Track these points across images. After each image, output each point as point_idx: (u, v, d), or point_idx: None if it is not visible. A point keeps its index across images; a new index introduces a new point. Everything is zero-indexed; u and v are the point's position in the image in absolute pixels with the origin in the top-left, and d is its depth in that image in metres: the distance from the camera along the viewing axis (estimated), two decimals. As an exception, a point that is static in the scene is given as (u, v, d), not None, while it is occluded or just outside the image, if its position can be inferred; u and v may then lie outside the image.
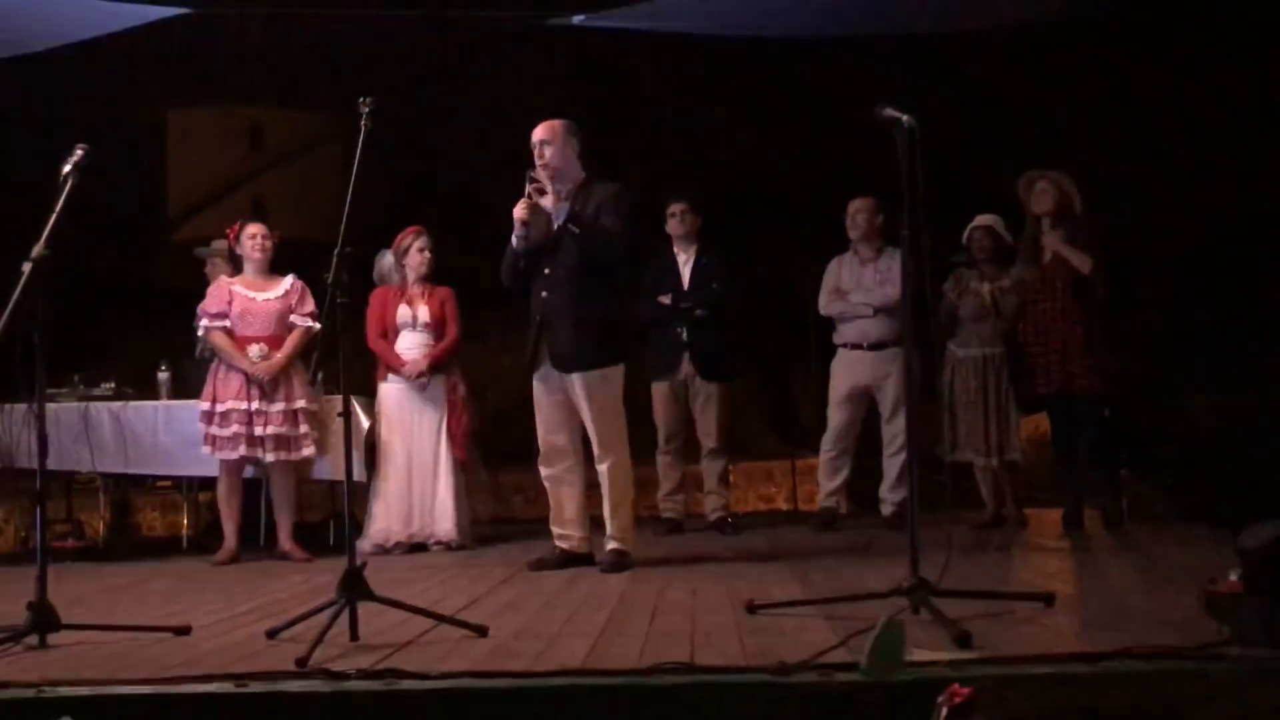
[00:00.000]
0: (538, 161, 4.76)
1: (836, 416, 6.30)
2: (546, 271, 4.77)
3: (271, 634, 3.29)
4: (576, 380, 4.75)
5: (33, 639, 3.26)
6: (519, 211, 4.69)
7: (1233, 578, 2.90)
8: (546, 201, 4.73)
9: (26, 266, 3.33)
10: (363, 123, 3.47)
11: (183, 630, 3.43)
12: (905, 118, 3.42)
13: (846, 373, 6.28)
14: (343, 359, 3.46)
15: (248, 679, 2.70)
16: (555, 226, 4.72)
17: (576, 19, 6.45)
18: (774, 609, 3.48)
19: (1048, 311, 5.94)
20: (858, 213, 6.25)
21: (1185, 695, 2.43)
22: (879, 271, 6.22)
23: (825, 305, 6.35)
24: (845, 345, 6.30)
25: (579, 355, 4.74)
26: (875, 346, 6.20)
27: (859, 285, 6.25)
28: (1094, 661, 2.57)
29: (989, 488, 6.24)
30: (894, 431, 6.18)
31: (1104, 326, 6.02)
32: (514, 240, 4.75)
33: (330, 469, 5.88)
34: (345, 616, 3.19)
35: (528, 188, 4.71)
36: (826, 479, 6.37)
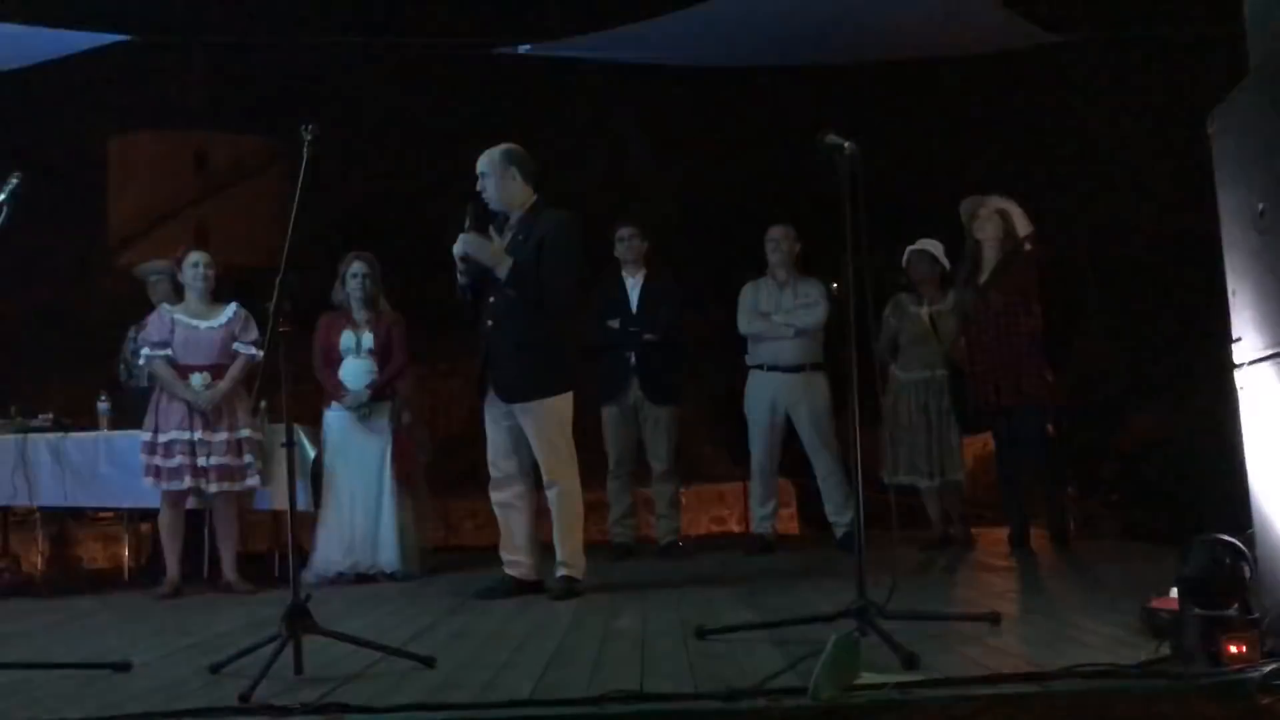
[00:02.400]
0: (480, 192, 4.76)
1: (757, 443, 6.38)
2: (490, 300, 4.76)
3: (215, 669, 3.23)
4: (523, 409, 4.74)
5: (-34, 678, 3.18)
6: (457, 247, 4.68)
7: (1172, 594, 2.96)
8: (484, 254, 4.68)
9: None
10: (305, 149, 3.44)
11: (123, 666, 3.36)
12: (847, 144, 3.47)
13: (762, 394, 6.35)
14: (285, 387, 3.42)
15: (189, 716, 2.64)
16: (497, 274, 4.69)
17: (523, 48, 6.47)
18: (723, 634, 3.48)
19: (990, 331, 6.02)
20: (782, 238, 6.35)
21: (1128, 714, 2.46)
22: (799, 296, 6.30)
23: (746, 325, 6.40)
24: (760, 366, 6.37)
25: (523, 385, 4.73)
26: (790, 369, 6.27)
27: (778, 308, 6.32)
28: (1039, 681, 2.59)
29: (935, 508, 6.30)
30: (818, 456, 6.26)
31: (1046, 345, 6.11)
32: (458, 275, 4.74)
33: (274, 499, 5.80)
34: (290, 650, 3.14)
35: (466, 220, 4.70)
36: (757, 506, 6.48)
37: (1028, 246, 5.96)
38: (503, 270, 4.65)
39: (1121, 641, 3.07)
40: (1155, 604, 3.14)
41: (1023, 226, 6.03)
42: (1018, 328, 5.98)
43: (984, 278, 6.07)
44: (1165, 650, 2.79)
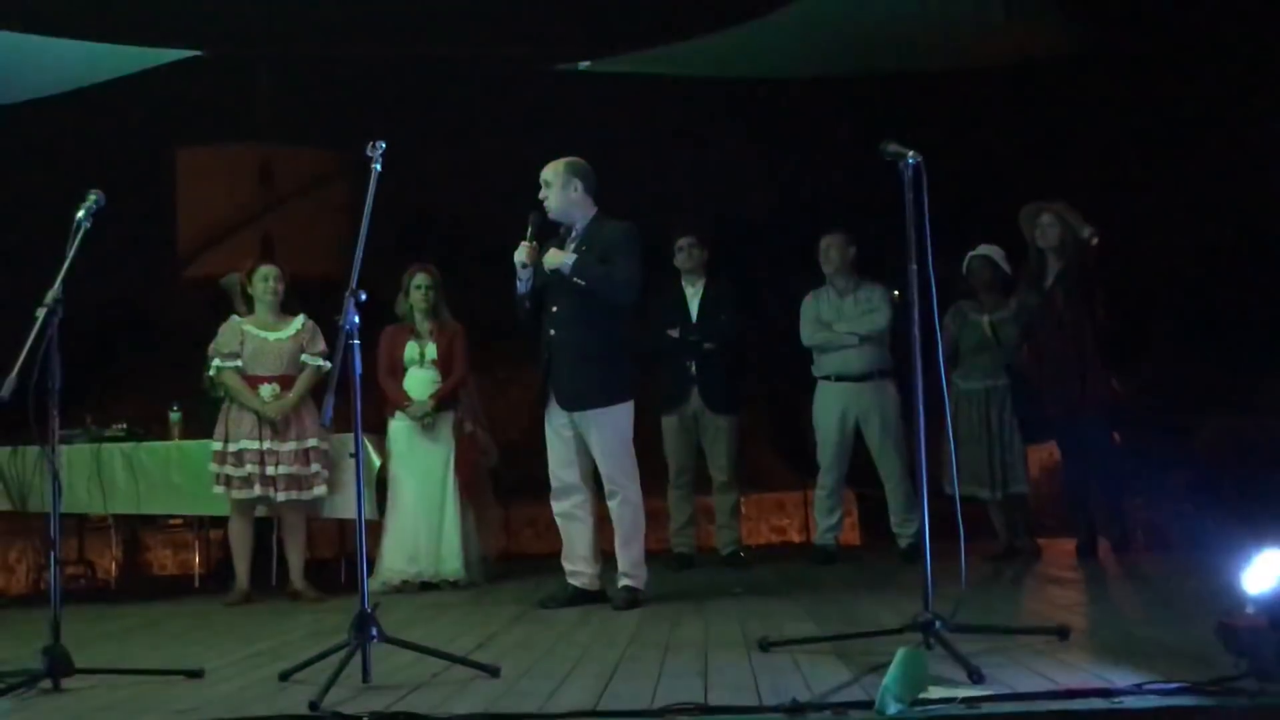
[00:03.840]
0: (543, 201, 4.80)
1: (826, 453, 6.32)
2: (554, 310, 4.79)
3: (284, 676, 3.28)
4: (585, 417, 4.76)
5: (47, 683, 3.26)
6: (519, 255, 4.72)
7: (1250, 611, 2.89)
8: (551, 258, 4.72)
9: (41, 311, 3.36)
10: (373, 166, 3.49)
11: (195, 673, 3.43)
12: (910, 154, 3.44)
13: (831, 405, 6.29)
14: (355, 399, 3.47)
15: (261, 723, 2.69)
16: (563, 269, 4.73)
17: (582, 65, 6.52)
18: (787, 646, 3.46)
19: (1055, 337, 5.94)
20: (829, 248, 6.31)
21: (1203, 731, 2.41)
22: (860, 303, 6.25)
23: (810, 336, 6.35)
24: (827, 377, 6.31)
25: (586, 393, 4.75)
26: (859, 378, 6.21)
27: (840, 317, 6.27)
28: (1110, 697, 2.55)
29: (1001, 519, 6.22)
30: (888, 464, 6.20)
31: (1113, 351, 6.01)
32: (518, 283, 4.78)
33: (341, 508, 5.89)
34: (358, 658, 3.19)
35: (529, 229, 4.74)
36: (823, 516, 6.41)
37: (1094, 241, 5.85)
38: (567, 266, 4.68)
39: (1195, 657, 3.00)
40: (1231, 619, 3.07)
41: (1085, 230, 5.92)
42: (1083, 334, 5.89)
43: (1048, 284, 5.99)
44: (1242, 667, 2.73)
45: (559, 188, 4.80)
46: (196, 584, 6.67)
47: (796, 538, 9.75)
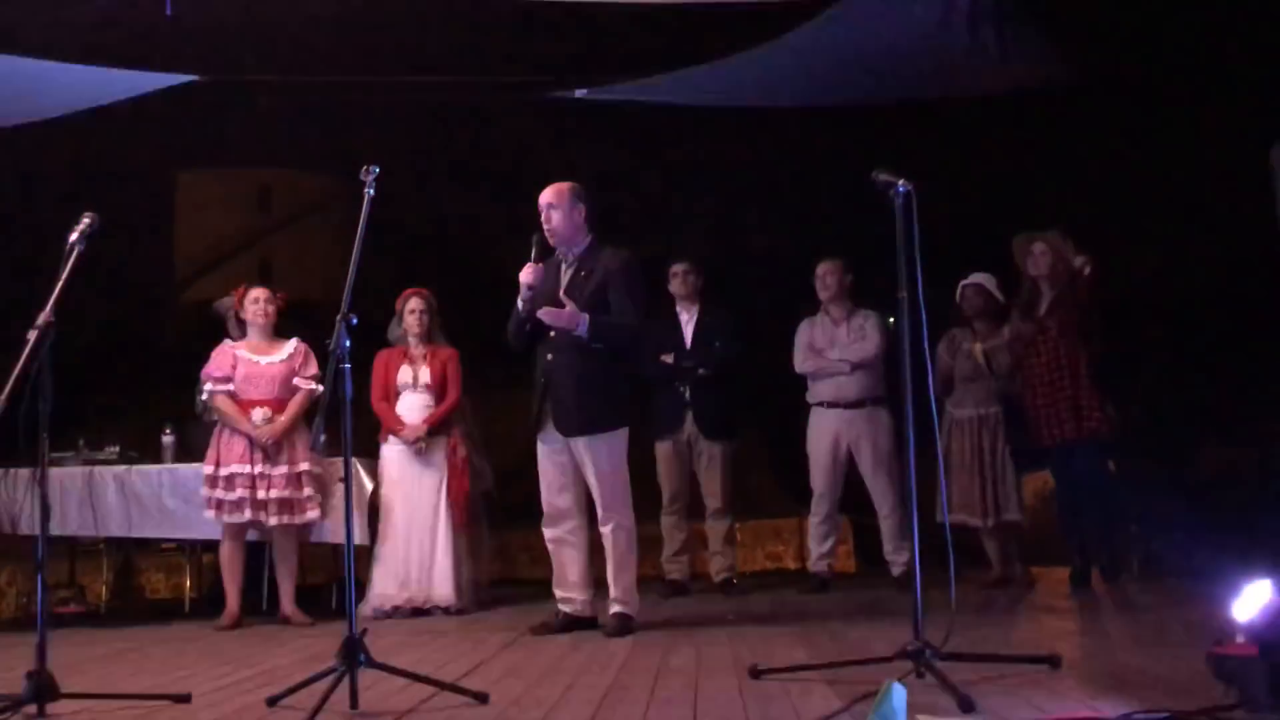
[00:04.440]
0: (544, 225, 4.80)
1: (819, 480, 6.32)
2: (552, 335, 4.79)
3: (271, 701, 3.27)
4: (581, 443, 4.76)
5: (31, 708, 3.24)
6: (525, 275, 4.72)
7: (1240, 639, 2.88)
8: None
9: (32, 334, 3.36)
10: (366, 191, 3.50)
11: (182, 698, 3.41)
12: (901, 182, 3.47)
13: (824, 432, 6.29)
14: (345, 424, 3.47)
15: (246, 749, 2.68)
16: (561, 292, 4.73)
17: (579, 93, 6.56)
18: (778, 674, 3.45)
19: (1048, 365, 5.95)
20: (827, 274, 6.33)
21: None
22: (853, 330, 6.26)
23: (801, 363, 6.37)
24: (820, 404, 6.32)
25: (583, 419, 4.74)
26: (851, 405, 6.22)
27: (833, 344, 6.28)
28: (1099, 727, 2.55)
29: (994, 548, 6.21)
30: (880, 492, 6.19)
31: (1105, 380, 6.02)
32: (519, 304, 4.78)
33: (332, 532, 5.87)
34: (345, 684, 3.17)
35: (533, 252, 4.75)
36: (815, 544, 6.40)
37: (1087, 270, 5.87)
38: (583, 330, 4.67)
39: (1185, 687, 3.00)
40: (1222, 649, 3.07)
41: (1074, 261, 5.95)
42: (1076, 362, 5.91)
43: (1041, 312, 6.01)
44: (1232, 697, 2.72)
45: (565, 211, 4.81)
46: (187, 608, 6.64)
47: (792, 565, 9.72)
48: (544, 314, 4.66)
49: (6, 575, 8.33)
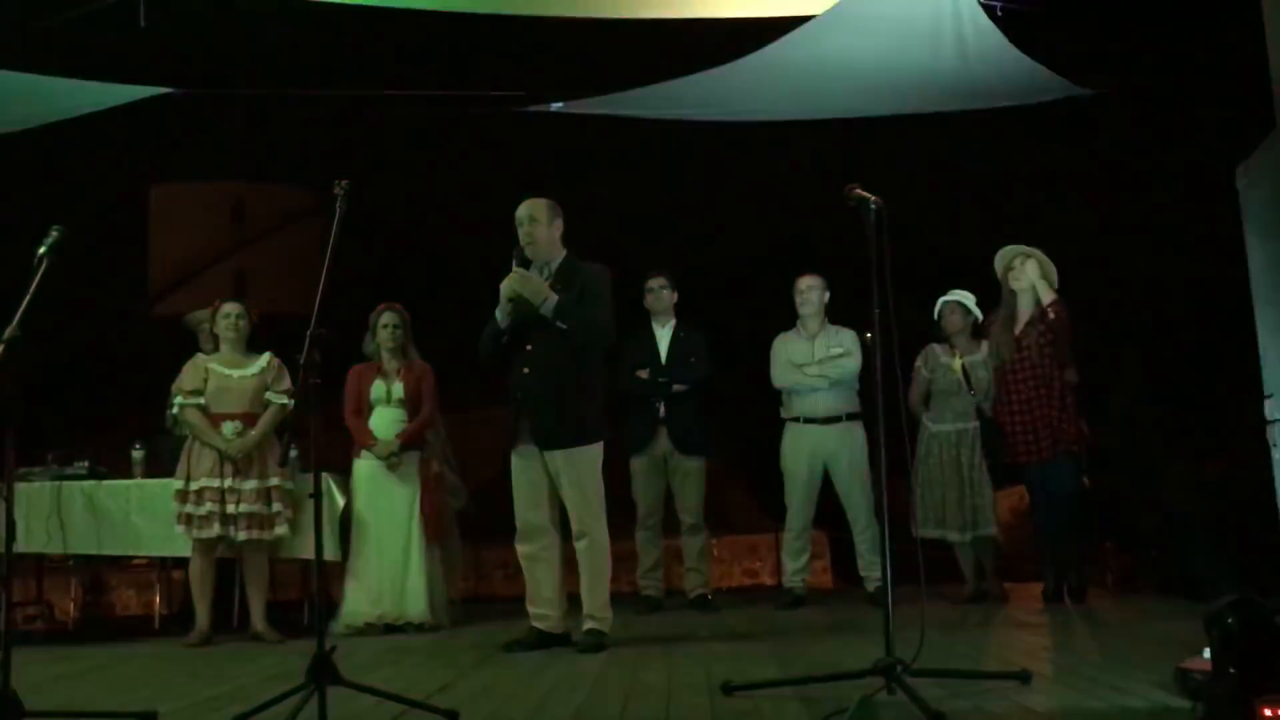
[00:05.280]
0: (522, 239, 4.80)
1: (794, 496, 6.31)
2: (529, 348, 4.78)
3: (239, 720, 3.23)
4: (557, 457, 4.74)
5: (-6, 727, 3.20)
6: (507, 286, 4.71)
7: (1205, 655, 2.90)
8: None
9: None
10: (337, 205, 3.49)
11: (148, 715, 3.37)
12: (873, 199, 3.48)
13: (799, 448, 6.30)
14: (314, 439, 3.44)
15: (211, 768, 2.65)
16: (541, 308, 4.72)
17: (555, 106, 6.57)
18: (750, 690, 3.44)
19: (1026, 381, 5.99)
20: (809, 289, 6.34)
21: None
22: (830, 346, 6.28)
23: (780, 377, 6.37)
24: (795, 419, 6.33)
25: (560, 433, 4.73)
26: (827, 420, 6.23)
27: (810, 359, 6.30)
28: (1067, 743, 2.55)
29: (968, 562, 6.23)
30: (855, 508, 6.21)
31: (1080, 399, 6.06)
32: (498, 315, 4.77)
33: (303, 548, 5.82)
34: (314, 702, 3.14)
35: (514, 264, 4.74)
36: (790, 559, 6.39)
37: (1051, 315, 5.92)
38: (549, 306, 4.67)
39: (1154, 703, 3.01)
40: (1188, 665, 3.09)
41: (1046, 293, 5.97)
42: (1053, 378, 5.95)
43: (1019, 328, 6.05)
44: (1199, 712, 2.73)
45: (544, 225, 4.81)
46: (157, 625, 6.57)
47: (769, 581, 9.73)
48: (518, 273, 4.64)
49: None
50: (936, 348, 6.31)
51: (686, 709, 3.27)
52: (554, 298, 4.68)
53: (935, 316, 6.35)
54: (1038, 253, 6.11)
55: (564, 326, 4.68)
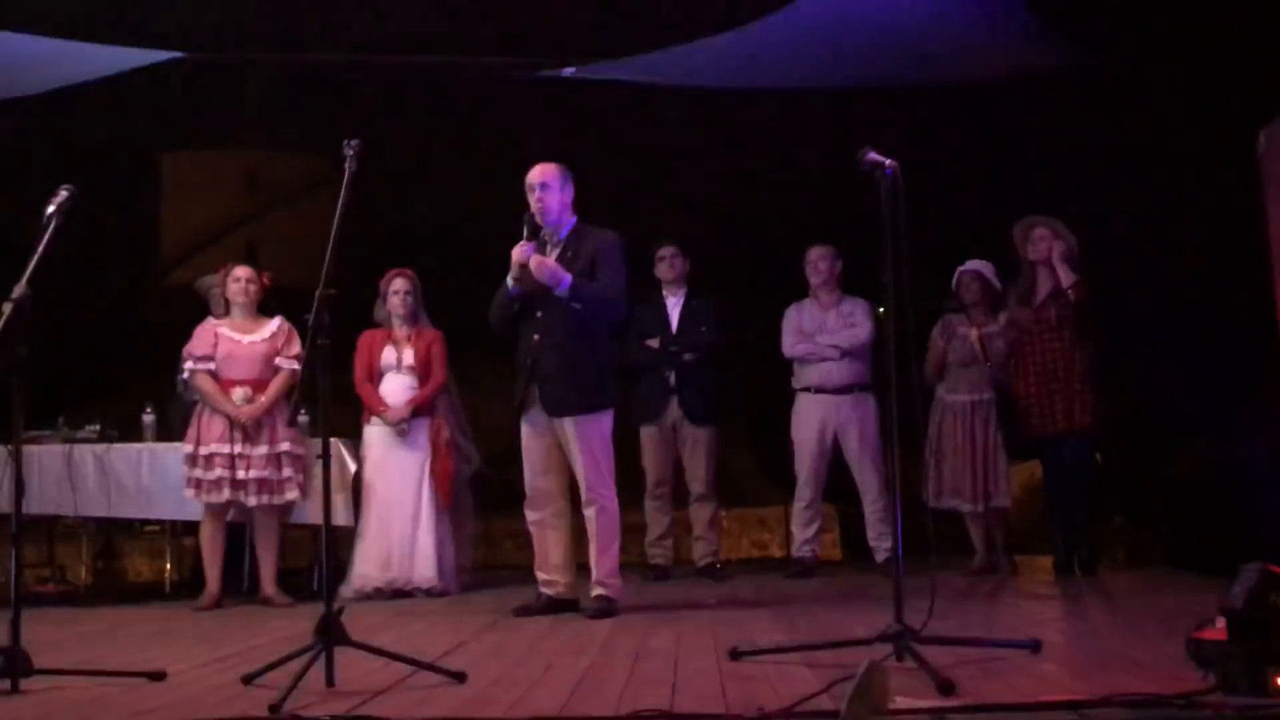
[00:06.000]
0: (533, 205, 4.76)
1: (804, 466, 6.30)
2: (539, 315, 4.76)
3: (247, 680, 3.24)
4: (567, 424, 4.73)
5: (4, 684, 3.21)
6: (519, 254, 4.68)
7: (1219, 625, 2.88)
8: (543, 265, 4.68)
9: (6, 307, 3.32)
10: (347, 165, 3.47)
11: (157, 675, 3.38)
12: (888, 162, 3.44)
13: (810, 418, 6.28)
14: (322, 402, 3.43)
15: (218, 726, 2.65)
16: (550, 277, 4.68)
17: (566, 71, 6.50)
18: (758, 655, 3.43)
19: (1043, 354, 5.95)
20: (819, 259, 6.31)
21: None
22: (842, 316, 6.25)
23: (791, 347, 6.34)
24: (807, 389, 6.30)
25: (570, 399, 4.72)
26: (839, 390, 6.20)
27: (822, 329, 6.26)
28: (1076, 709, 2.53)
29: (979, 534, 6.21)
30: (866, 478, 6.19)
31: (1096, 373, 6.02)
32: (509, 282, 4.74)
33: (313, 512, 5.83)
34: (322, 662, 3.14)
35: (525, 230, 4.71)
36: (799, 529, 6.37)
37: (1072, 296, 5.87)
38: (563, 288, 4.65)
39: (1166, 672, 2.99)
40: (1201, 634, 3.06)
41: (1066, 275, 5.93)
42: (1071, 351, 5.90)
43: (1038, 300, 6.00)
44: (1210, 681, 2.71)
45: (557, 191, 4.79)
46: (168, 590, 6.60)
47: (778, 553, 9.71)
48: (533, 261, 4.62)
49: (-6, 557, 8.27)
50: (953, 318, 6.27)
51: (694, 673, 3.26)
52: (567, 279, 4.65)
53: (953, 286, 6.30)
54: (1057, 224, 6.06)
55: (578, 307, 4.66)
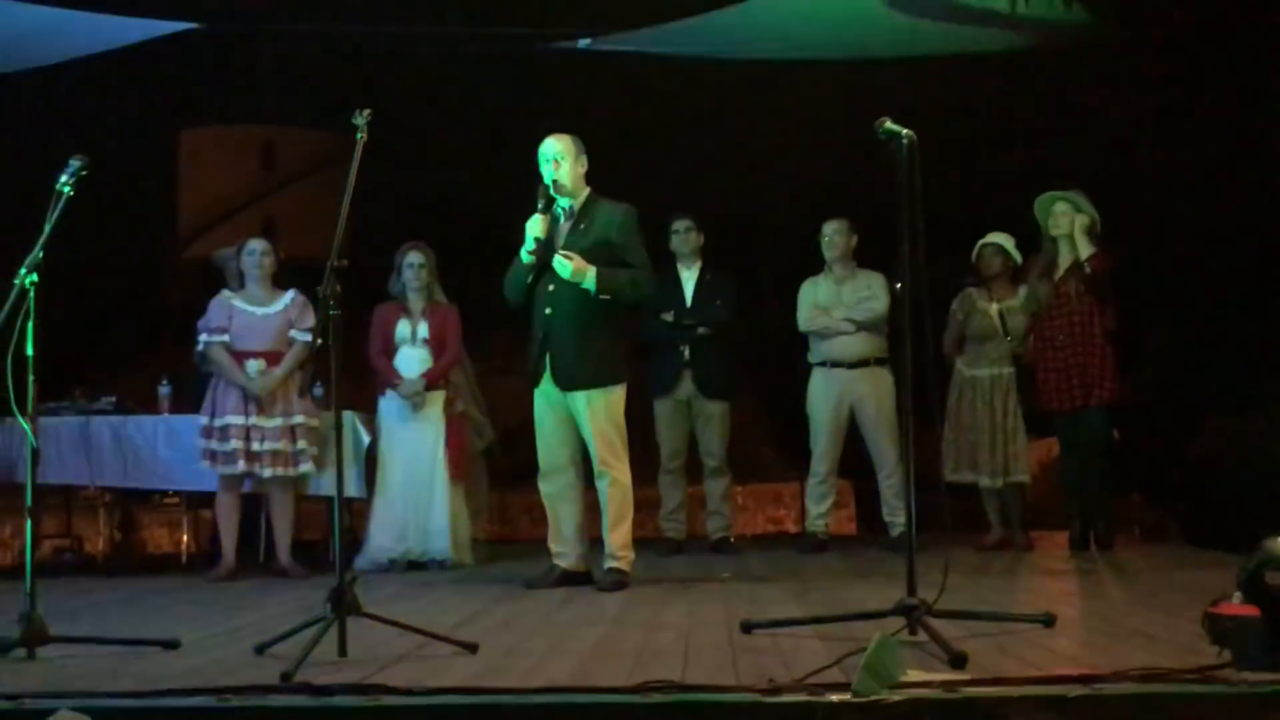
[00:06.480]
0: (547, 176, 4.73)
1: (819, 440, 6.28)
2: (551, 288, 4.74)
3: (259, 649, 3.25)
4: (579, 398, 4.72)
5: (20, 651, 3.23)
6: (533, 226, 4.66)
7: (1235, 600, 2.85)
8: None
9: (22, 276, 3.33)
10: (358, 135, 3.45)
11: (171, 644, 3.40)
12: (905, 132, 3.40)
13: (825, 392, 6.25)
14: (335, 372, 3.43)
15: (230, 693, 2.66)
16: (559, 245, 4.67)
17: (582, 43, 6.46)
18: (769, 629, 3.43)
19: (1062, 328, 5.90)
20: (835, 233, 6.26)
21: (1181, 718, 2.37)
22: (857, 290, 6.21)
23: (806, 321, 6.31)
24: (822, 364, 6.28)
25: (583, 373, 4.71)
26: (854, 364, 6.17)
27: (838, 303, 6.23)
28: (1090, 683, 2.52)
29: (995, 509, 6.18)
30: (881, 453, 6.16)
31: (1116, 348, 5.97)
32: (524, 254, 4.72)
33: (328, 485, 5.86)
34: (334, 632, 3.15)
35: (539, 203, 4.68)
36: (813, 504, 6.36)
37: (1088, 270, 5.81)
38: (590, 282, 4.62)
39: (1182, 647, 2.97)
40: (1218, 609, 3.03)
41: (1096, 221, 5.87)
42: (1092, 327, 5.85)
43: (1059, 274, 5.95)
44: (1226, 656, 2.69)
45: (572, 162, 4.75)
46: (185, 561, 6.64)
47: (792, 528, 9.71)
48: (559, 267, 4.61)
49: (11, 527, 8.36)
50: (973, 291, 6.21)
51: (705, 645, 3.26)
52: (592, 272, 4.62)
53: (973, 259, 6.25)
54: (1080, 197, 5.99)
55: (606, 297, 4.64)
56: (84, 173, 3.55)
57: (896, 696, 2.48)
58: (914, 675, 2.63)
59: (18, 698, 2.64)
